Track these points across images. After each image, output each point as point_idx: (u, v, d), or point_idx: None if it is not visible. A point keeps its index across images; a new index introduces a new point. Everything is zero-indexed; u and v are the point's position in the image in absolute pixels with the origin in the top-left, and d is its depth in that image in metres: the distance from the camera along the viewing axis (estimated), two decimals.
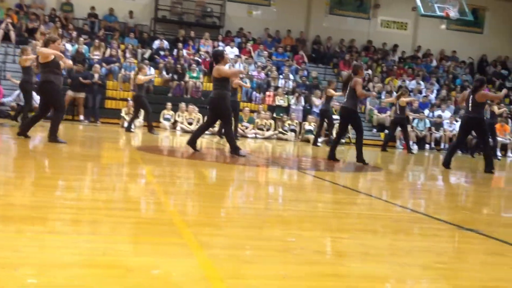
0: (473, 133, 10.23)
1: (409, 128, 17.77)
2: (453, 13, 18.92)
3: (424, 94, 20.11)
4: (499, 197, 6.81)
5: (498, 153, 18.25)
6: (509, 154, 18.34)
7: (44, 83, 8.04)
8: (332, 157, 9.04)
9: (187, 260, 2.40)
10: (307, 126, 17.10)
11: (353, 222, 3.84)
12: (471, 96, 8.98)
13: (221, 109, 8.29)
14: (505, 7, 23.89)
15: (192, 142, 8.49)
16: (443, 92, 20.36)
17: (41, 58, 7.96)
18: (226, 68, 8.60)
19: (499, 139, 18.52)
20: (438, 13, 18.71)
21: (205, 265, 2.35)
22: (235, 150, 8.20)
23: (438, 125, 18.35)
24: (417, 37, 23.42)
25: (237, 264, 2.40)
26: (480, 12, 23.53)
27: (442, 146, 17.91)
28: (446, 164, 9.17)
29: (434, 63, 22.80)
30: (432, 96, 20.30)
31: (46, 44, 8.12)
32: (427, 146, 17.89)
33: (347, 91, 8.85)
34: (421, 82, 20.80)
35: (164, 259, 2.38)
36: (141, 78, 13.09)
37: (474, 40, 23.60)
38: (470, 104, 8.95)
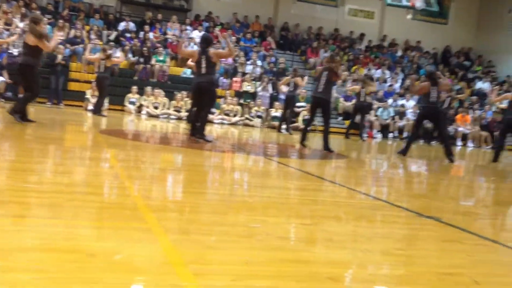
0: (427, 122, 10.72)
1: (373, 116, 18.03)
2: (419, 3, 19.21)
3: (389, 83, 20.39)
4: (457, 185, 6.99)
5: (459, 142, 18.72)
6: (469, 144, 18.81)
7: (26, 66, 7.97)
8: (304, 144, 9.38)
9: (150, 245, 2.39)
10: (273, 112, 17.14)
11: (317, 209, 3.89)
12: (434, 87, 9.18)
13: (214, 94, 8.57)
14: None
15: (199, 133, 8.28)
16: (408, 82, 20.68)
17: (30, 41, 7.86)
18: (222, 50, 8.84)
19: (460, 129, 18.99)
20: (404, 3, 18.97)
21: (168, 250, 2.35)
22: (203, 135, 8.19)
23: (401, 114, 18.65)
24: (383, 26, 23.65)
25: (201, 250, 2.41)
26: (445, 4, 23.90)
27: (405, 135, 18.24)
28: (403, 152, 9.42)
29: (399, 52, 23.10)
30: (397, 86, 20.60)
31: (36, 24, 7.97)
32: (390, 134, 18.18)
33: (324, 81, 9.05)
34: (387, 71, 21.07)
35: (127, 244, 2.36)
36: (115, 60, 12.97)
37: (438, 31, 23.98)
38: (432, 95, 9.17)
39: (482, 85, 21.91)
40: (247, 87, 17.93)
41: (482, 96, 21.42)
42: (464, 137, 19.02)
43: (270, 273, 2.20)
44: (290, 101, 14.59)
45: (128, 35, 18.58)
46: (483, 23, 24.26)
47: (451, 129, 19.04)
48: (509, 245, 3.15)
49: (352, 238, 3.04)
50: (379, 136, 17.82)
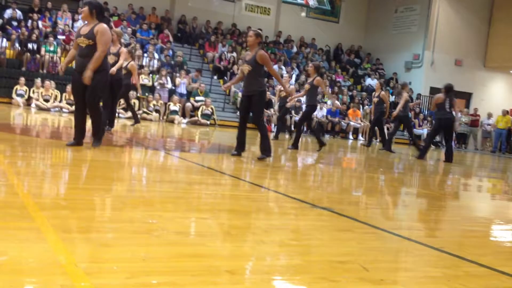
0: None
1: (271, 111, 18.40)
2: (312, 1, 19.84)
3: (284, 78, 20.87)
4: (350, 177, 7.33)
5: (350, 136, 19.64)
6: (360, 137, 19.78)
7: None
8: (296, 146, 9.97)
9: (38, 245, 2.27)
10: (172, 106, 16.95)
11: (216, 203, 3.90)
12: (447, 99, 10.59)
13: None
14: None
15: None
16: (302, 78, 21.32)
17: None
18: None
19: (351, 123, 19.93)
20: (299, 0, 19.50)
21: (58, 250, 2.25)
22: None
23: (297, 109, 19.19)
24: (279, 22, 24.17)
25: (93, 248, 2.33)
26: (336, 3, 24.89)
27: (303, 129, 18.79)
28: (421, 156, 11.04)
29: (295, 49, 23.74)
30: (292, 81, 21.15)
31: None
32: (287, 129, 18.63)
33: (309, 89, 9.92)
34: (283, 67, 21.57)
35: (13, 245, 2.23)
36: None
37: (330, 29, 24.95)
38: (447, 106, 10.61)
39: (371, 81, 23.10)
40: (144, 80, 17.56)
41: (371, 92, 22.58)
42: (355, 131, 19.99)
43: (167, 268, 2.17)
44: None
45: (14, 23, 17.49)
46: (371, 22, 25.59)
47: (343, 124, 19.95)
48: (395, 232, 3.35)
49: (249, 231, 3.09)
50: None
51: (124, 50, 9.07)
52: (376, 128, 14.38)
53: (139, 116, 16.24)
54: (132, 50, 9.62)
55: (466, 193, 7.03)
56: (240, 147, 7.11)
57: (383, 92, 13.15)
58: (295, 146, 9.90)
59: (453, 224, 4.23)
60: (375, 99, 13.20)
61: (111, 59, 8.27)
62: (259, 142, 7.09)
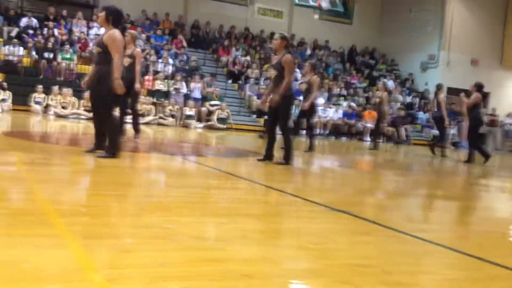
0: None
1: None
2: (325, 3, 19.80)
3: (299, 81, 20.86)
4: (368, 179, 7.29)
5: (368, 138, 19.54)
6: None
7: None
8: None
9: (60, 252, 2.29)
10: (187, 111, 17.02)
11: (232, 207, 3.90)
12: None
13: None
14: (371, 0, 25.46)
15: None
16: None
17: None
18: None
19: (368, 125, 19.82)
20: (311, 3, 19.47)
21: (79, 256, 2.26)
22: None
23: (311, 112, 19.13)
24: (292, 25, 24.15)
25: (114, 254, 2.34)
26: (349, 4, 24.81)
27: (317, 132, 18.75)
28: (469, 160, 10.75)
29: (308, 51, 23.70)
30: None
31: None
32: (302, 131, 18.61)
33: (306, 88, 10.10)
34: (297, 70, 21.53)
35: (34, 252, 2.25)
36: None
37: (344, 30, 24.86)
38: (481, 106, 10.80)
39: (387, 82, 22.96)
40: (160, 85, 17.66)
41: (388, 93, 22.48)
42: (372, 133, 19.87)
43: (185, 273, 2.18)
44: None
45: (31, 31, 17.70)
46: (385, 23, 25.44)
47: (360, 125, 19.85)
48: (415, 235, 3.32)
49: (266, 235, 3.08)
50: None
51: (138, 51, 8.86)
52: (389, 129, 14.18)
53: (155, 121, 16.37)
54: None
55: (486, 194, 6.95)
56: (268, 156, 6.91)
57: (385, 93, 13.10)
58: (311, 149, 9.86)
59: (472, 226, 4.19)
60: (377, 99, 13.13)
61: (125, 61, 8.21)
62: (282, 147, 6.99)
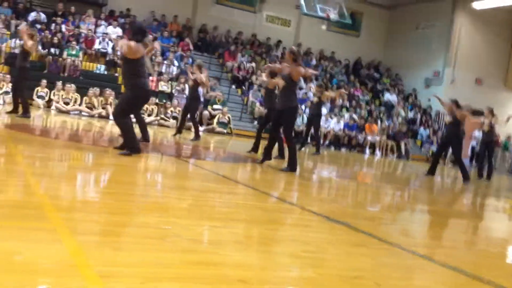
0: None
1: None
2: (333, 15, 19.83)
3: (303, 90, 20.90)
4: (366, 191, 7.29)
5: (367, 150, 19.54)
6: (377, 152, 19.66)
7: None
8: None
9: (54, 246, 2.30)
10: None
11: (229, 212, 3.90)
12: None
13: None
14: (379, 14, 25.52)
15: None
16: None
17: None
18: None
19: (368, 138, 19.83)
20: (320, 13, 19.51)
21: (74, 252, 2.27)
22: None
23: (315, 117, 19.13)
24: (299, 34, 24.21)
25: (108, 251, 2.35)
26: (357, 17, 24.89)
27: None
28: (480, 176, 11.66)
29: (314, 61, 23.74)
30: (311, 94, 21.15)
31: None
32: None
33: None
34: (301, 79, 21.57)
35: (28, 245, 2.25)
36: (30, 43, 10.96)
37: (351, 42, 24.91)
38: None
39: (390, 96, 23.00)
40: (163, 87, 17.68)
41: (390, 107, 22.50)
42: (372, 146, 19.91)
43: (180, 275, 2.18)
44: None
45: (38, 26, 17.74)
46: (392, 37, 25.51)
47: (360, 138, 19.86)
48: (408, 249, 3.32)
49: (261, 241, 3.08)
50: None
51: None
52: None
53: (156, 122, 16.37)
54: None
55: (483, 212, 6.94)
56: (266, 156, 7.51)
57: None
58: (318, 151, 9.99)
59: (468, 244, 4.18)
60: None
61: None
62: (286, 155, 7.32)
